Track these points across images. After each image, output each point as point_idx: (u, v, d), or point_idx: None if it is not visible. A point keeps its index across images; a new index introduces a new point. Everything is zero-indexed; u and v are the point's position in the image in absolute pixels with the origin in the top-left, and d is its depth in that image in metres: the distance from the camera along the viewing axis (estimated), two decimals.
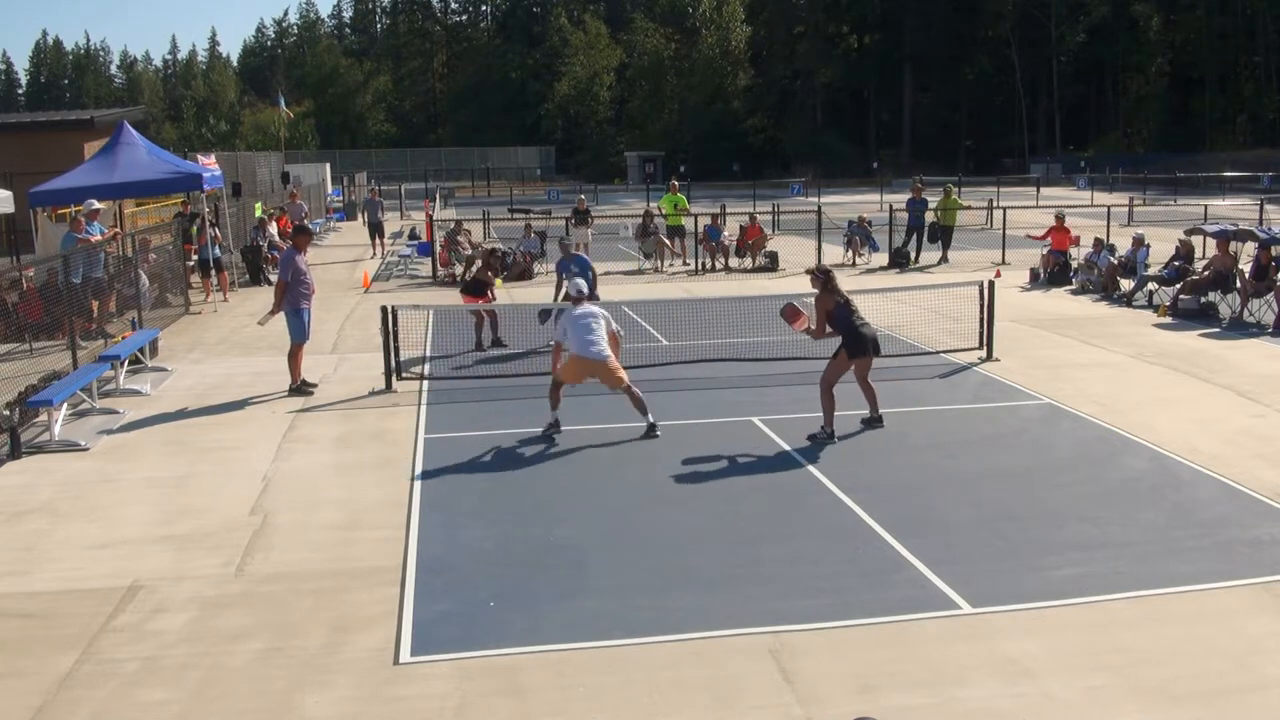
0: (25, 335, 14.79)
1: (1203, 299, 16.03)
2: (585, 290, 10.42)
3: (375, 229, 27.60)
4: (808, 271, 10.21)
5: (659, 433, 9.92)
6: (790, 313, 10.07)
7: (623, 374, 9.97)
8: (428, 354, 13.78)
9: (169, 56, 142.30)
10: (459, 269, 21.73)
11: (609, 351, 9.86)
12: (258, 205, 27.00)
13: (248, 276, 21.53)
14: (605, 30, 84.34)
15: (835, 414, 9.75)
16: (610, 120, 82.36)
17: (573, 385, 10.22)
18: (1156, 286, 17.25)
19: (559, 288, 14.99)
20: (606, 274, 21.40)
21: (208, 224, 19.04)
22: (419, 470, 9.05)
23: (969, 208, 27.37)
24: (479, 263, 15.03)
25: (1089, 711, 5.19)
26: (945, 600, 6.41)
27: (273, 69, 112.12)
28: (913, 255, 23.06)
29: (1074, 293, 18.71)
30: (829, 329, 9.81)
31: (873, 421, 10.02)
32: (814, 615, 6.19)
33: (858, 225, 23.64)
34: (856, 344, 9.68)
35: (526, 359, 13.57)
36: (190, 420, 10.92)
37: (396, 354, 12.15)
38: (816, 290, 9.87)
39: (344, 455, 9.57)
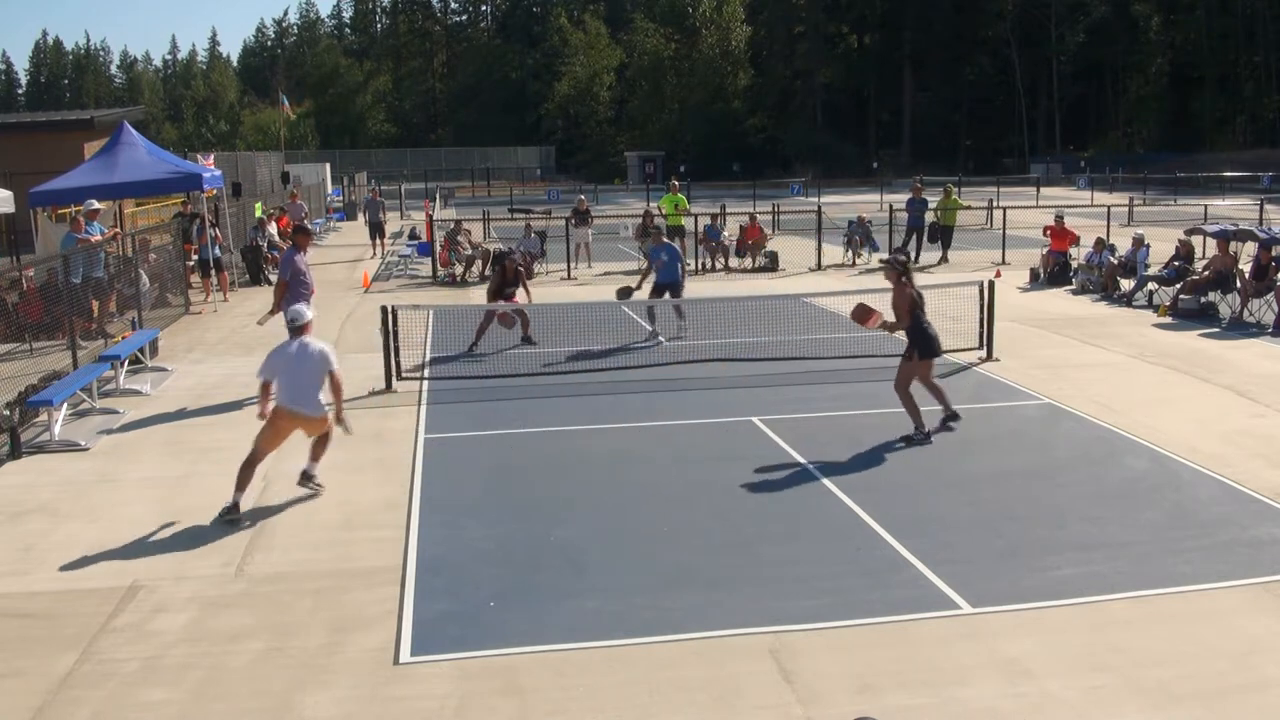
0: (25, 335, 14.78)
1: (1203, 299, 16.04)
2: None
3: (376, 229, 27.60)
4: (882, 262, 10.13)
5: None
6: (861, 313, 9.99)
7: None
8: (427, 354, 13.78)
9: (169, 56, 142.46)
10: (459, 269, 21.77)
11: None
12: (258, 205, 26.98)
13: (248, 276, 21.53)
14: (605, 30, 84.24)
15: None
16: (610, 120, 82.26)
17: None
18: (1156, 286, 17.25)
19: (647, 273, 15.20)
20: (606, 274, 21.45)
21: (208, 224, 19.04)
22: (419, 470, 9.05)
23: (969, 208, 27.37)
24: (509, 262, 15.08)
25: (1089, 711, 5.19)
26: (945, 600, 6.41)
27: (273, 69, 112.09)
28: (913, 255, 23.04)
29: (1074, 293, 18.71)
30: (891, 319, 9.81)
31: (947, 419, 9.97)
32: (814, 615, 6.19)
33: (858, 225, 23.63)
34: (928, 344, 9.64)
35: (527, 360, 13.57)
36: (190, 420, 10.91)
37: (396, 354, 12.15)
38: (891, 283, 9.81)
39: (343, 455, 9.54)
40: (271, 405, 8.04)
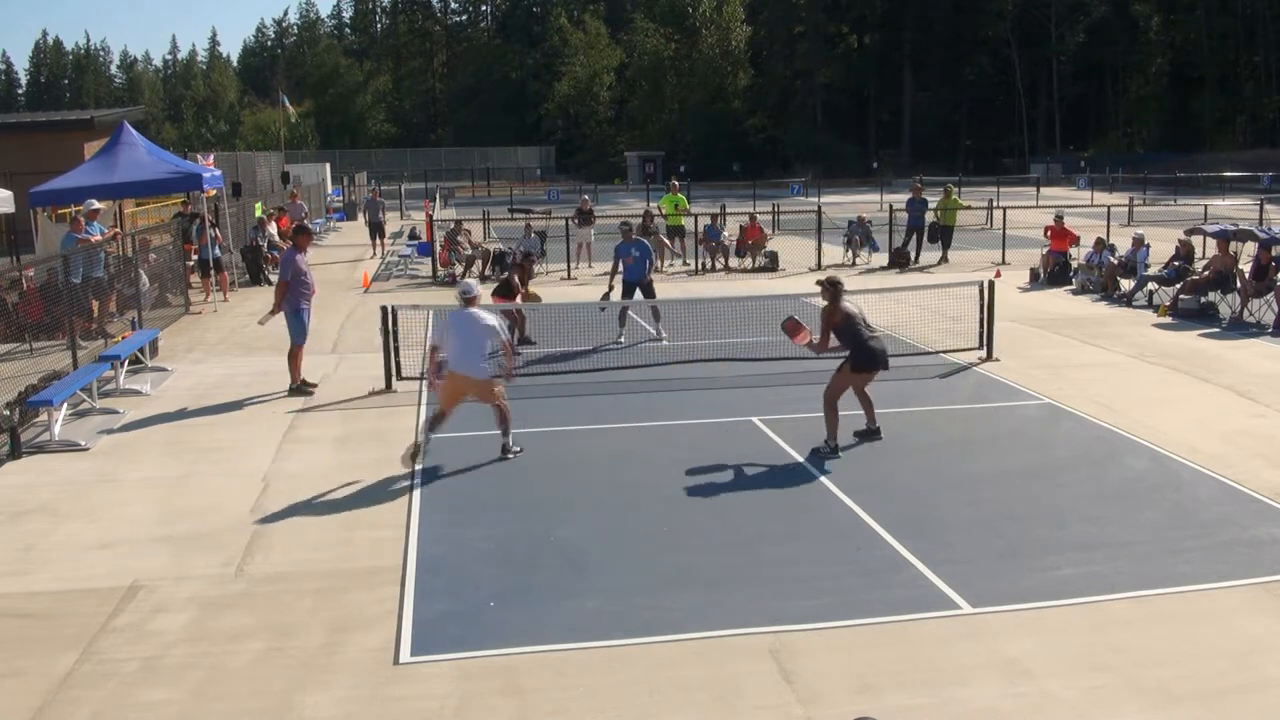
0: (25, 335, 14.78)
1: (1203, 299, 16.04)
2: None
3: (376, 229, 27.61)
4: (818, 282, 9.84)
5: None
6: (791, 327, 9.72)
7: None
8: (428, 354, 13.76)
9: (169, 56, 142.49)
10: (459, 269, 21.77)
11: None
12: (258, 205, 26.98)
13: (248, 276, 21.53)
14: (605, 30, 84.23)
15: (840, 420, 9.53)
16: (610, 120, 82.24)
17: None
18: (1156, 286, 17.25)
19: (614, 272, 15.07)
20: (606, 273, 21.43)
21: (208, 224, 19.04)
22: (419, 470, 9.04)
23: (969, 208, 27.36)
24: (513, 262, 15.14)
25: (1089, 711, 5.19)
26: (945, 600, 6.41)
27: (273, 69, 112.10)
28: (913, 255, 23.06)
29: (1074, 293, 18.71)
30: (835, 342, 9.40)
31: (869, 434, 9.65)
32: (814, 615, 6.19)
33: (858, 225, 23.63)
34: (864, 358, 9.29)
35: (527, 360, 13.55)
36: (190, 420, 10.91)
37: (396, 354, 12.15)
38: (825, 301, 9.45)
39: (344, 455, 9.56)
40: (443, 369, 9.08)
